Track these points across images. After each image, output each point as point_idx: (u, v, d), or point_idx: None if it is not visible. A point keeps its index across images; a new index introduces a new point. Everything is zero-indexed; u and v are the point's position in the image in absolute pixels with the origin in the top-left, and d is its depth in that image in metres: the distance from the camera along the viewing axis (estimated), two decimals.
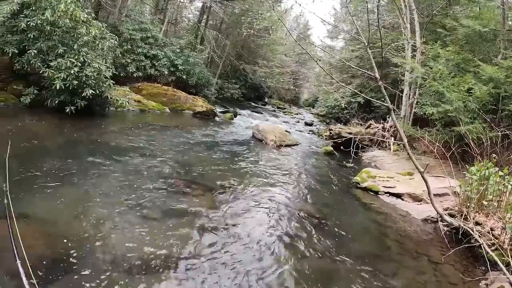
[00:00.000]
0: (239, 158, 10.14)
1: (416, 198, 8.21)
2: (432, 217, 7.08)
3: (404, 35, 17.05)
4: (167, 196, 6.19)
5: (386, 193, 8.65)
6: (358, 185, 9.18)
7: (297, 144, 14.36)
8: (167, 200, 6.00)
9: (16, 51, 10.64)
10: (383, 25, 19.90)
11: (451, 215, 6.52)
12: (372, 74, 6.93)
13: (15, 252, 3.01)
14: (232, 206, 6.26)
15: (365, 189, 8.96)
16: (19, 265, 2.76)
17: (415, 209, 7.73)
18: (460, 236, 5.77)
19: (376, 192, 8.74)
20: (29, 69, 10.80)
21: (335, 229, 6.06)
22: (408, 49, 16.54)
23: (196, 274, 4.03)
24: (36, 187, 5.57)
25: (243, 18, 26.46)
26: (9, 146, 5.99)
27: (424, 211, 7.48)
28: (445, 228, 6.37)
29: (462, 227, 5.80)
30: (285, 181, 8.59)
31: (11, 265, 3.21)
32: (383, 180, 9.21)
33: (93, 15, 12.75)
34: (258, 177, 8.36)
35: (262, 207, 6.43)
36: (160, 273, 3.93)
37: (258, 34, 28.81)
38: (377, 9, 18.22)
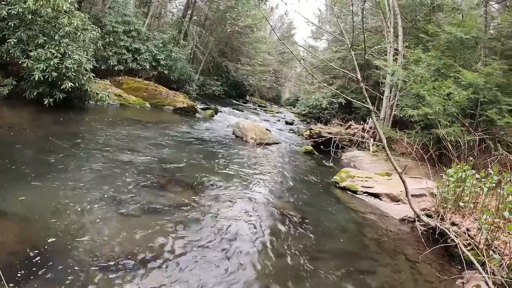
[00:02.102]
0: (219, 155, 10.11)
1: (394, 198, 8.32)
2: (409, 217, 7.20)
3: (387, 38, 17.28)
4: (145, 192, 6.12)
5: (364, 193, 8.74)
6: (337, 185, 9.25)
7: (278, 143, 14.40)
8: (145, 196, 5.94)
9: None
10: (366, 28, 20.09)
11: (428, 216, 6.63)
12: (355, 76, 7.00)
13: None
14: (210, 203, 6.21)
15: (344, 189, 9.04)
16: None
17: (393, 209, 7.84)
18: (436, 236, 5.88)
19: (355, 192, 8.83)
20: (8, 59, 10.49)
21: (314, 227, 6.09)
22: (390, 52, 16.76)
23: (171, 270, 4.01)
24: (11, 180, 5.46)
25: (228, 15, 26.35)
26: None
27: (401, 211, 7.60)
28: (422, 228, 6.47)
29: (438, 227, 5.92)
30: (265, 179, 8.58)
31: None
32: (361, 180, 9.30)
33: (76, 5, 12.35)
34: (238, 175, 8.32)
35: (241, 205, 6.41)
36: (137, 270, 3.89)
37: (241, 31, 28.77)
38: (362, 12, 18.41)
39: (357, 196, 8.69)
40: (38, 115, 9.90)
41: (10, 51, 10.21)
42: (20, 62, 10.16)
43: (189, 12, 27.62)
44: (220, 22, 28.13)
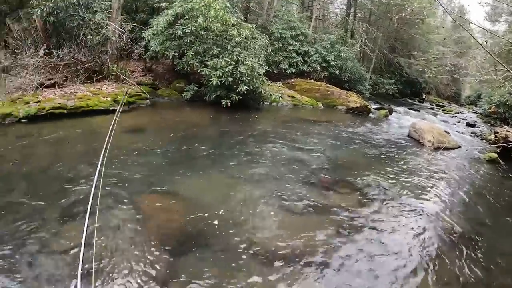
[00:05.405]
0: (392, 158, 9.44)
1: None
2: None
3: None
4: (311, 190, 6.16)
5: None
6: None
7: (457, 148, 12.68)
8: (311, 194, 5.97)
9: (176, 55, 12.39)
10: None
11: None
12: None
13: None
14: (376, 210, 5.85)
15: None
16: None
17: None
18: None
19: None
20: (188, 69, 12.38)
21: (487, 254, 5.08)
22: None
23: (326, 274, 3.94)
24: (187, 168, 6.34)
25: (393, 7, 24.94)
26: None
27: None
28: None
29: None
30: (438, 189, 7.60)
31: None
32: None
33: (242, 18, 14.04)
34: (409, 181, 7.63)
35: (409, 216, 5.84)
36: (288, 267, 3.93)
37: (410, 21, 26.90)
38: None
39: None
40: (217, 114, 11.24)
41: (190, 62, 11.95)
42: (199, 71, 11.92)
43: (352, 10, 27.34)
44: (385, 16, 26.97)
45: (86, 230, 3.66)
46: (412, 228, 5.40)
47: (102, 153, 5.52)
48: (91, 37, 11.49)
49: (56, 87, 10.52)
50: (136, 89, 11.75)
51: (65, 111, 9.28)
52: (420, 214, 5.95)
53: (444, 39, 32.26)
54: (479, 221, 6.36)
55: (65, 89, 10.48)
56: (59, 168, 6.08)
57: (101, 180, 5.12)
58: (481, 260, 4.90)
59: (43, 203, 4.80)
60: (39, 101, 9.28)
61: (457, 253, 4.98)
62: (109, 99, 10.31)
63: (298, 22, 20.43)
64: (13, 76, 10.23)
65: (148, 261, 3.75)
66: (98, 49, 11.93)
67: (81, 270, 3.33)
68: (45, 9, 10.69)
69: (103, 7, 12.27)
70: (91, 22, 11.62)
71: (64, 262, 3.66)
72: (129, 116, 9.96)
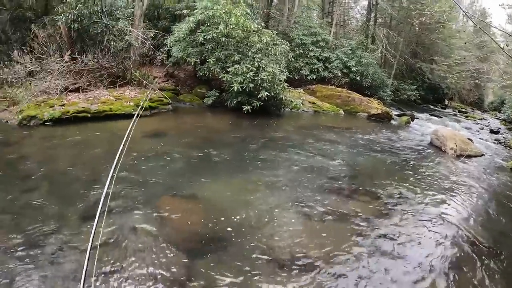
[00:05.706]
0: (413, 166, 9.25)
1: None
2: None
3: None
4: (330, 197, 6.12)
5: None
6: None
7: (480, 155, 12.35)
8: (329, 201, 5.92)
9: (198, 61, 12.59)
10: None
11: None
12: None
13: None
14: (397, 219, 5.73)
15: None
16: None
17: None
18: None
19: None
20: (210, 75, 12.57)
21: (505, 264, 4.92)
22: None
23: (343, 283, 3.89)
24: (208, 172, 6.47)
25: (413, 12, 24.73)
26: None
27: None
28: None
29: None
30: (460, 198, 7.37)
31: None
32: None
33: (263, 24, 14.20)
34: (431, 190, 7.45)
35: (430, 226, 5.69)
36: (307, 275, 3.90)
37: (430, 27, 26.63)
38: None
39: None
40: (237, 120, 11.31)
41: (211, 69, 12.13)
42: (220, 77, 11.99)
43: (373, 15, 27.15)
44: (406, 20, 26.75)
45: (96, 229, 3.65)
46: (433, 238, 5.28)
47: (117, 156, 5.55)
48: (114, 44, 11.74)
49: (80, 91, 10.78)
50: (159, 94, 11.91)
51: (89, 115, 9.50)
52: (442, 224, 5.83)
53: (465, 43, 31.72)
54: (500, 229, 6.20)
55: (88, 93, 10.73)
56: (80, 170, 6.24)
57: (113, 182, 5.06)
58: (503, 272, 4.76)
59: (62, 203, 4.94)
60: (63, 105, 9.51)
61: (479, 265, 4.82)
62: (131, 103, 10.49)
63: (319, 28, 20.42)
64: (39, 80, 10.55)
65: (163, 263, 3.79)
66: (121, 55, 12.14)
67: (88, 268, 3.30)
68: (69, 16, 11.02)
69: (126, 15, 12.60)
70: (115, 29, 11.90)
71: (79, 261, 3.71)
72: (151, 120, 10.17)
